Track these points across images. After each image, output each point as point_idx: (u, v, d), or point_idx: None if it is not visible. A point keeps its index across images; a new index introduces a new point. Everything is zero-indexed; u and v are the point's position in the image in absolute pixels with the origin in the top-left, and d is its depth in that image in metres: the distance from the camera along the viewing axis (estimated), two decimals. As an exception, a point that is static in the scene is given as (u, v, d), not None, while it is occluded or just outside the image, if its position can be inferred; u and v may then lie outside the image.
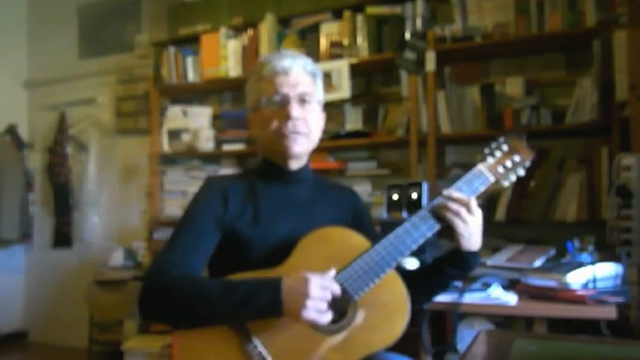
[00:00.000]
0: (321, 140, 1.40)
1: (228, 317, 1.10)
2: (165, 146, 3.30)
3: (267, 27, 2.98)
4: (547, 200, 2.35)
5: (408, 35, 2.64)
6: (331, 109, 2.82)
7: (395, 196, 2.19)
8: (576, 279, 1.66)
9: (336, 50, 2.81)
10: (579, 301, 1.62)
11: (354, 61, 2.74)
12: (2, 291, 3.97)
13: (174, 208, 3.26)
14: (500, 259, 1.98)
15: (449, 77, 2.64)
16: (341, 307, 1.16)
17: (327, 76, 2.69)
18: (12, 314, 4.04)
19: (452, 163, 2.70)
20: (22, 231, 3.84)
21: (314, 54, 2.78)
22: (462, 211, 1.19)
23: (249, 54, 3.05)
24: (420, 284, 1.28)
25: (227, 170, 3.21)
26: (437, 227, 1.20)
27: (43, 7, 4.14)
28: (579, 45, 2.42)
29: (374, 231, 1.41)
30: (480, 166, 1.26)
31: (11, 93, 4.09)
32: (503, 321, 2.01)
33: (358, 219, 1.37)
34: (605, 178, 2.20)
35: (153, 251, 3.26)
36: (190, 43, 3.28)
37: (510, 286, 1.84)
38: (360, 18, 2.77)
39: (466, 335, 1.90)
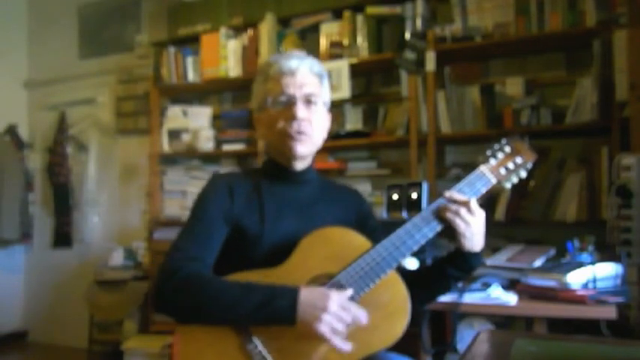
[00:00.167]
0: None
1: (241, 319, 1.11)
2: (165, 146, 3.30)
3: (267, 27, 2.98)
4: (547, 200, 2.35)
5: (408, 35, 2.64)
6: (331, 109, 2.80)
7: (395, 196, 2.19)
8: (576, 279, 1.66)
9: (336, 50, 2.81)
10: (579, 301, 1.62)
11: (354, 61, 2.74)
12: (2, 291, 3.96)
13: (174, 208, 3.26)
14: (500, 259, 1.98)
15: (449, 77, 2.64)
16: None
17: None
18: (12, 314, 4.04)
19: (452, 163, 2.70)
20: (22, 231, 3.84)
21: (314, 54, 2.70)
22: (463, 211, 1.19)
23: (249, 54, 3.05)
24: (421, 285, 1.28)
25: (227, 170, 3.21)
26: (438, 228, 1.21)
27: (43, 7, 4.14)
28: (579, 45, 2.43)
29: (380, 232, 1.41)
30: (482, 168, 1.26)
31: (11, 93, 4.09)
32: (503, 321, 2.01)
33: (362, 220, 1.37)
34: (605, 178, 2.20)
35: (153, 251, 3.26)
36: (190, 43, 3.28)
37: (510, 286, 1.85)
38: (360, 18, 2.77)
39: (466, 335, 1.90)
